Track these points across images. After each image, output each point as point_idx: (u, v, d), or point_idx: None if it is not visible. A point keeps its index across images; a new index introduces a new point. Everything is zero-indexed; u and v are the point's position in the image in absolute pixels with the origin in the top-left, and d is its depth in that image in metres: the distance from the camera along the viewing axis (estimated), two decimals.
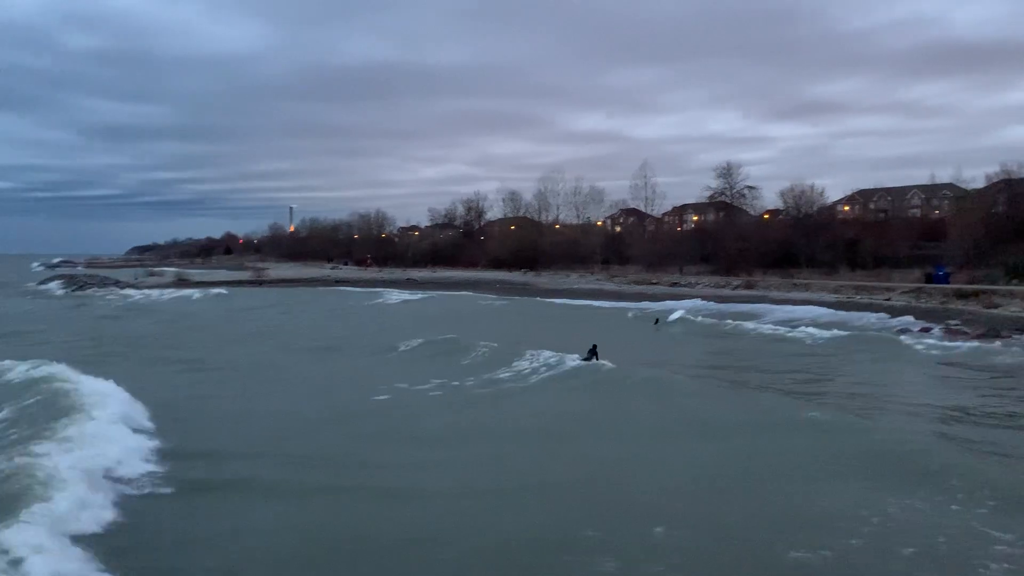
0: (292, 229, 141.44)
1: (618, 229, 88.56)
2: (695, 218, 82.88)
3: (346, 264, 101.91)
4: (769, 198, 74.46)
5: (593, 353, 19.76)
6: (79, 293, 61.32)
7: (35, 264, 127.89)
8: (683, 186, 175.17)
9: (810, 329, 29.66)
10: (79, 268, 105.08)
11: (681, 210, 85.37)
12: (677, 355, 24.68)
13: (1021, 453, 12.44)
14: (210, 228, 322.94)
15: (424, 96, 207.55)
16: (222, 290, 60.69)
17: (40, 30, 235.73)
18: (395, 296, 53.97)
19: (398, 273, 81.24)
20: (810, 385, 18.98)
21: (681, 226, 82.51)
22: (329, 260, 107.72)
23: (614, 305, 44.95)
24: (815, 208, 68.23)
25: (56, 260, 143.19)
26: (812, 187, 69.71)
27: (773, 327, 31.12)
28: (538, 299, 51.37)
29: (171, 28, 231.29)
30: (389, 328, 32.24)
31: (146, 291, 61.93)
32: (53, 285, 68.00)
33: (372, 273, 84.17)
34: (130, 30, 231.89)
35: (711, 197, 75.33)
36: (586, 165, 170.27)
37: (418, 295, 55.21)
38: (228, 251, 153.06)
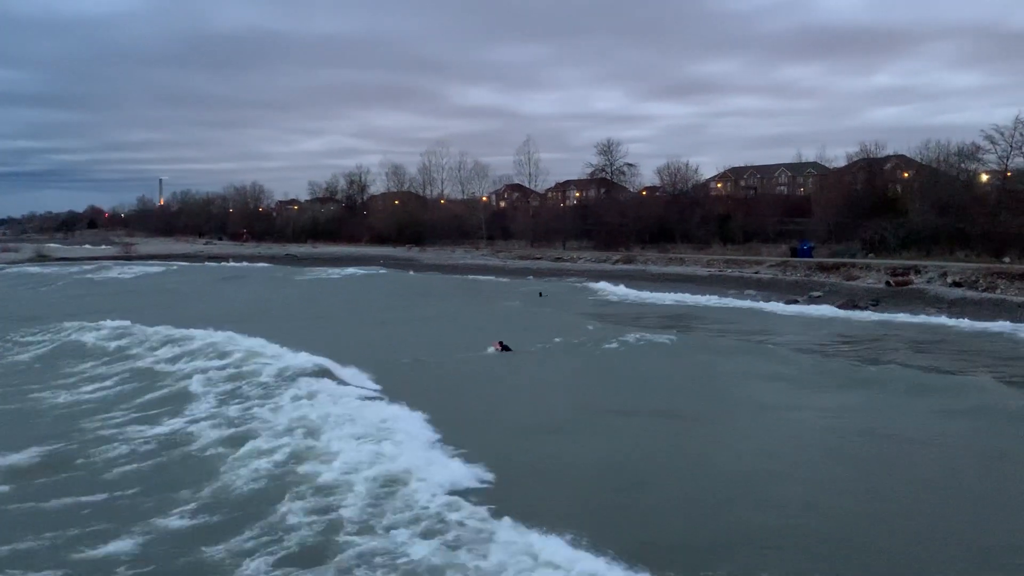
0: (162, 203, 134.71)
1: (502, 205, 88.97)
2: (577, 194, 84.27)
3: (220, 239, 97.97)
4: (647, 175, 76.86)
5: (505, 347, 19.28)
6: None
7: None
8: (567, 163, 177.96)
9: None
10: None
11: (564, 186, 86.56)
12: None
13: None
14: (72, 201, 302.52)
15: (305, 66, 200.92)
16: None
17: None
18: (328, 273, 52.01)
19: (276, 248, 78.86)
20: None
21: (564, 202, 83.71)
22: (201, 235, 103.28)
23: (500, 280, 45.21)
24: (690, 185, 70.74)
25: None
26: (687, 165, 72.28)
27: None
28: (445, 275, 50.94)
29: None
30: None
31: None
32: None
33: (249, 248, 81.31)
34: None
35: (592, 174, 76.79)
36: (472, 140, 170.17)
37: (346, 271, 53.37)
38: (92, 225, 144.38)
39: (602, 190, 75.99)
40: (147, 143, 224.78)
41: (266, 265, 61.63)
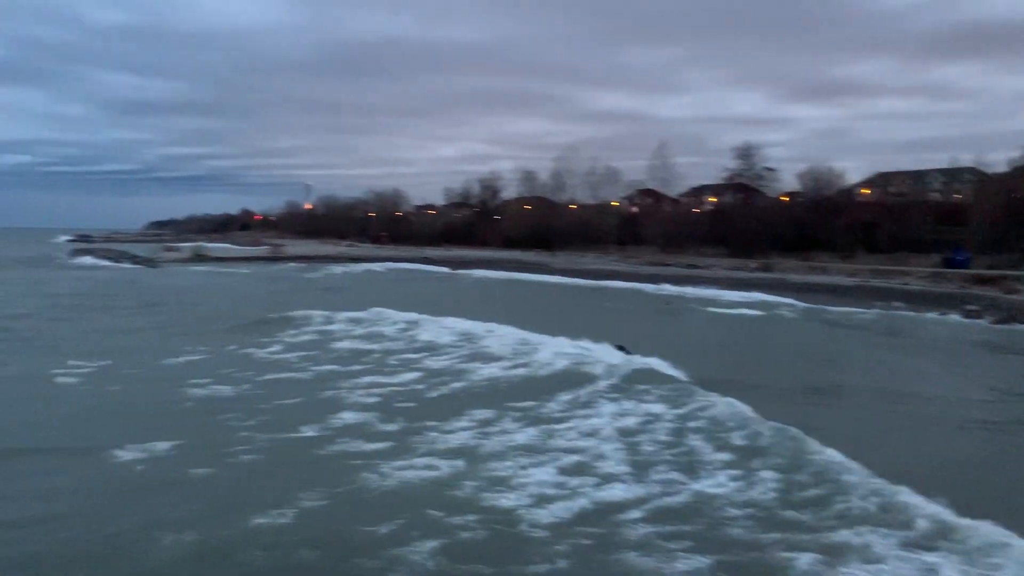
0: (309, 206, 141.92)
1: (634, 210, 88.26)
2: (712, 199, 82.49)
3: (362, 242, 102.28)
4: (788, 180, 74.12)
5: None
6: (116, 265, 62.24)
7: (62, 238, 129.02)
8: (702, 167, 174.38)
9: None
10: (103, 244, 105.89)
11: (698, 191, 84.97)
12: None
13: None
14: (227, 204, 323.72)
15: (441, 73, 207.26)
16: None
17: (65, 5, 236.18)
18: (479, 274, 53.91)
19: (413, 251, 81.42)
20: None
21: (698, 207, 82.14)
22: (343, 237, 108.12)
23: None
24: (834, 190, 67.84)
25: (73, 235, 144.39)
26: (830, 169, 69.39)
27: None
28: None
29: (190, 3, 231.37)
30: None
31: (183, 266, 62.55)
32: (87, 259, 69.07)
33: (388, 251, 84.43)
34: (150, 4, 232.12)
35: (729, 178, 75.01)
36: (603, 145, 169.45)
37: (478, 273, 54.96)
38: (245, 227, 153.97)
39: (739, 195, 74.08)
40: (295, 149, 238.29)
41: (409, 266, 63.54)
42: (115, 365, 17.80)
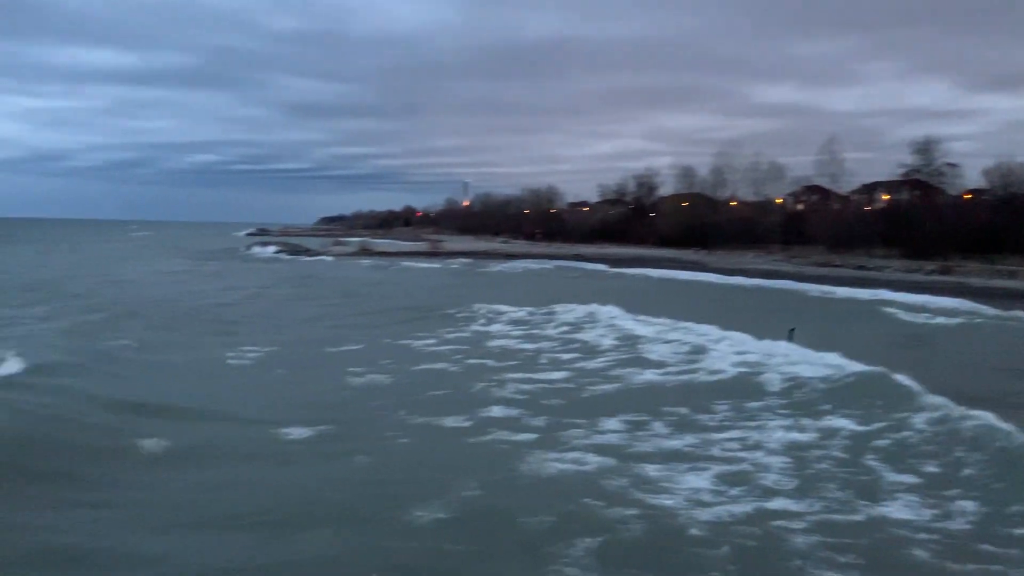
0: (466, 204, 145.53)
1: (799, 207, 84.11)
2: (885, 197, 77.17)
3: (516, 239, 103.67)
4: (972, 177, 68.11)
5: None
6: (291, 257, 66.78)
7: (242, 232, 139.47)
8: (874, 163, 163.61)
9: None
10: (280, 238, 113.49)
11: (870, 188, 79.73)
12: None
13: None
14: (391, 201, 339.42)
15: (602, 71, 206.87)
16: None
17: (249, 13, 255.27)
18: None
19: (565, 248, 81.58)
20: None
21: (869, 205, 77.13)
22: (497, 234, 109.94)
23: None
24: None
25: (254, 229, 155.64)
26: (1022, 165, 63.12)
27: None
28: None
29: (364, 7, 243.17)
30: None
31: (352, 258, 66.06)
32: (267, 251, 74.66)
33: (541, 247, 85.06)
34: (327, 10, 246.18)
35: (905, 175, 69.92)
36: (768, 140, 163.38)
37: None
38: (407, 223, 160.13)
39: (916, 192, 68.89)
40: (454, 148, 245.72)
41: (567, 264, 63.62)
42: (281, 352, 18.96)
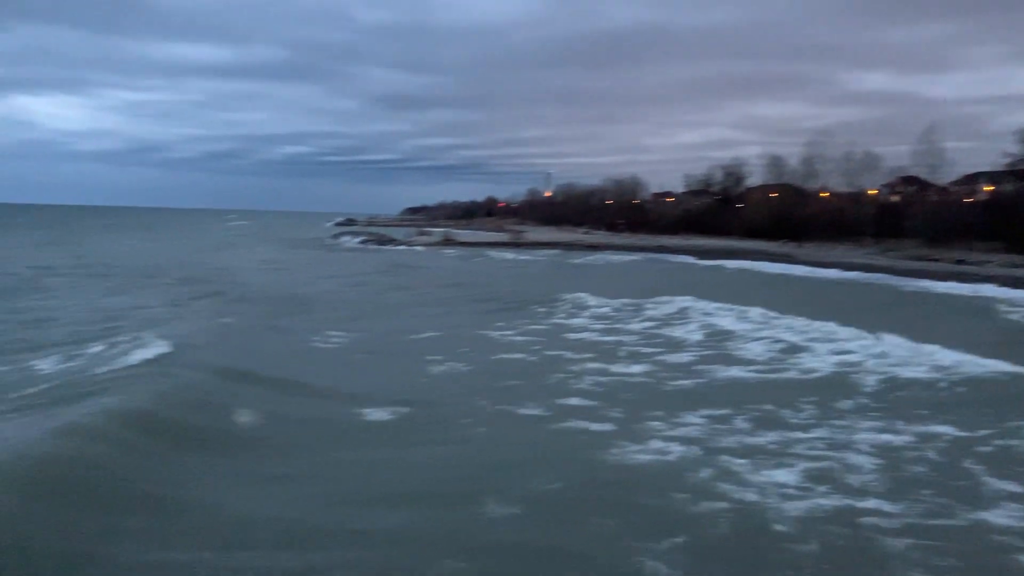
0: (548, 194, 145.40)
1: (894, 199, 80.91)
2: (988, 188, 73.51)
3: (599, 229, 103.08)
4: None
5: None
6: (377, 247, 68.40)
7: (328, 224, 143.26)
8: (976, 152, 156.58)
9: None
10: (367, 227, 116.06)
11: (972, 179, 76.07)
12: None
13: None
14: (473, 192, 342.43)
15: (690, 59, 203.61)
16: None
17: (338, 6, 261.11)
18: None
19: (649, 240, 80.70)
20: None
21: (971, 197, 73.59)
22: (579, 224, 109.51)
23: None
24: None
25: (341, 218, 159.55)
26: None
27: None
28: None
29: None
30: None
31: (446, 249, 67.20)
32: (354, 241, 76.65)
33: (624, 239, 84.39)
34: (414, 2, 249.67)
35: (1009, 164, 66.42)
36: (862, 129, 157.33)
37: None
38: (489, 214, 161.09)
39: (1021, 184, 65.35)
40: (537, 139, 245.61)
41: (654, 256, 62.87)
42: (367, 337, 19.62)
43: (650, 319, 23.22)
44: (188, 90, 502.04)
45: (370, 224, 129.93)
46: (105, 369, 14.13)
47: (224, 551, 7.09)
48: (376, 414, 11.91)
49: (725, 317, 22.62)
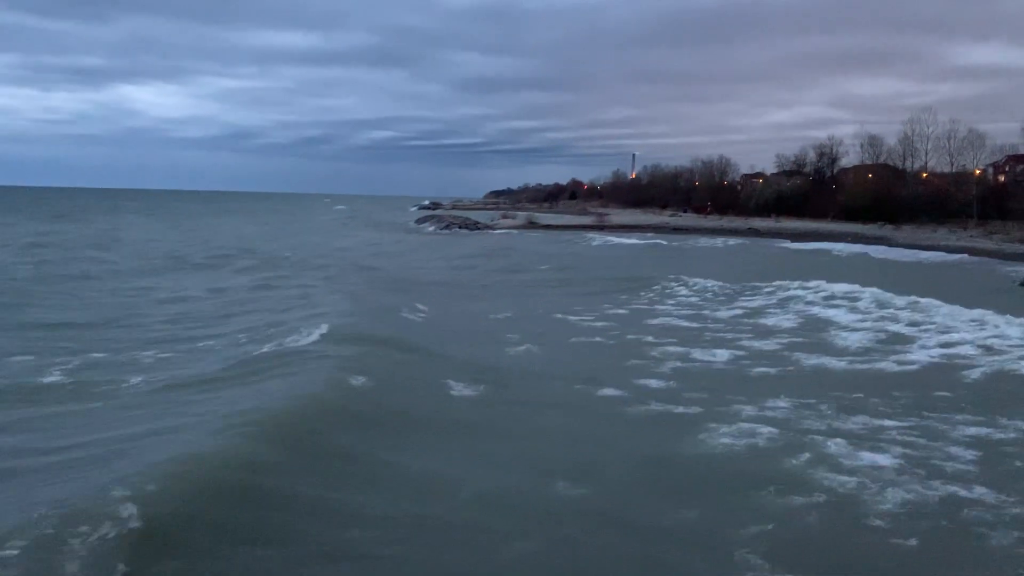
0: (633, 176, 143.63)
1: (1002, 179, 76.71)
2: None
3: (685, 212, 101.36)
4: None
5: None
6: (467, 231, 69.22)
7: (412, 208, 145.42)
8: None
9: None
10: (451, 211, 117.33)
11: None
12: None
13: None
14: (557, 174, 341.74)
15: (780, 35, 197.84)
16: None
17: None
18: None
19: (739, 222, 78.94)
20: None
21: None
22: (665, 207, 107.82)
23: None
24: None
25: (427, 202, 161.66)
26: None
27: None
28: None
29: None
30: None
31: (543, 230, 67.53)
32: (431, 227, 77.45)
33: (712, 222, 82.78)
34: None
35: None
36: (967, 106, 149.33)
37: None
38: (573, 196, 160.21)
39: None
40: (623, 120, 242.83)
41: (743, 241, 61.66)
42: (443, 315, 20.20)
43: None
44: (279, 76, 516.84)
45: (454, 207, 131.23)
46: (305, 341, 14.96)
47: (417, 502, 7.95)
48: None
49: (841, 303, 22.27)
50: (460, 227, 74.84)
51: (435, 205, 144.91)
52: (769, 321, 20.37)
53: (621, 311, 21.97)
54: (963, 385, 13.45)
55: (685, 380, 13.48)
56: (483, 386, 12.56)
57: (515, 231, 71.43)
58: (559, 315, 21.02)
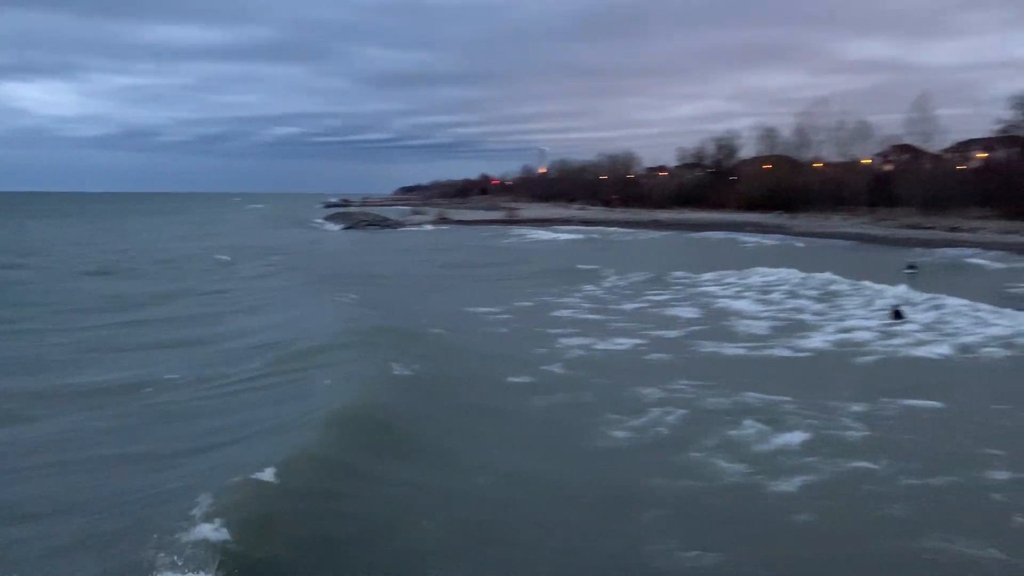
0: (543, 171, 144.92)
1: (888, 168, 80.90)
2: (982, 156, 73.50)
3: (593, 205, 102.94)
4: None
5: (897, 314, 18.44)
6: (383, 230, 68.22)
7: (318, 205, 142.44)
8: (970, 119, 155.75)
9: None
10: (362, 207, 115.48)
11: (965, 147, 76.07)
12: None
13: None
14: (468, 170, 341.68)
15: (684, 29, 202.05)
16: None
17: None
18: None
19: (643, 214, 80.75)
20: None
21: (964, 164, 73.61)
22: (573, 200, 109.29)
23: None
24: None
25: (338, 199, 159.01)
26: None
27: None
28: None
29: None
30: None
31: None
32: (335, 225, 75.88)
33: (619, 214, 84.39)
34: None
35: (1003, 131, 66.41)
36: (856, 98, 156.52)
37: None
38: (483, 192, 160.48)
39: (1014, 150, 65.37)
40: (535, 115, 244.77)
41: (658, 234, 62.59)
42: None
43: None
44: (180, 73, 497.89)
45: (365, 204, 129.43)
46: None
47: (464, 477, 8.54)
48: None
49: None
50: (370, 224, 73.87)
51: (345, 202, 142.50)
52: (673, 312, 21.02)
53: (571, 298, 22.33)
54: (855, 368, 14.22)
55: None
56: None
57: (430, 227, 71.06)
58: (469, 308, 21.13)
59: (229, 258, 38.09)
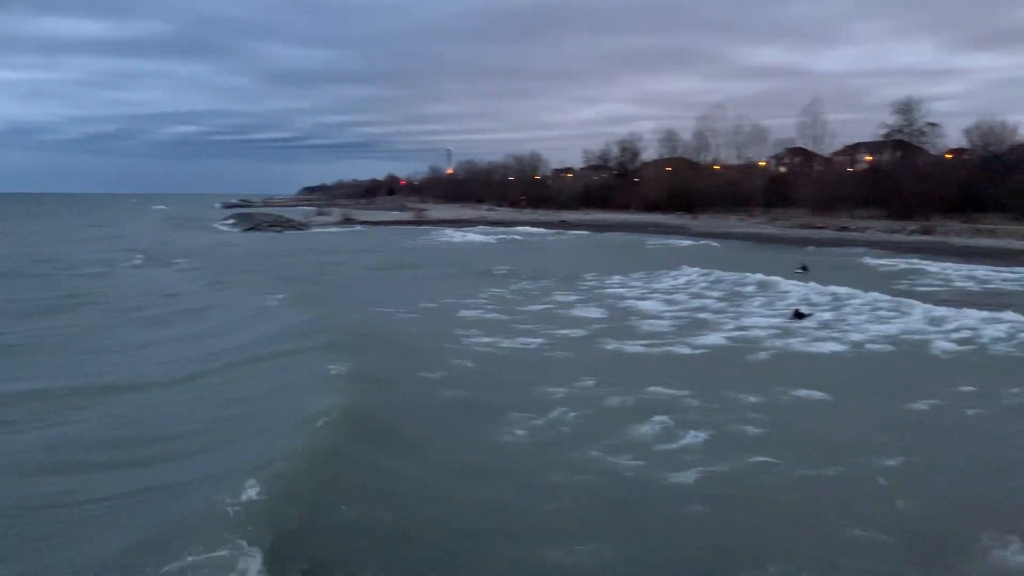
0: (450, 171, 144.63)
1: (782, 170, 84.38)
2: (868, 158, 77.50)
3: (501, 206, 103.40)
4: (953, 136, 68.52)
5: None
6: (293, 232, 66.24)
7: (217, 204, 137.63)
8: (858, 124, 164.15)
9: None
10: (264, 208, 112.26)
11: (853, 150, 80.00)
12: None
13: None
14: (374, 170, 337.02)
15: (588, 33, 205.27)
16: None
17: None
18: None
19: (551, 215, 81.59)
20: None
21: (852, 167, 77.46)
22: (481, 201, 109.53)
23: None
24: (1006, 147, 62.22)
25: (237, 199, 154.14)
26: (1003, 123, 63.57)
27: None
28: None
29: None
30: None
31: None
32: (236, 227, 73.52)
33: (527, 215, 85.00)
34: None
35: (887, 135, 70.22)
36: (753, 103, 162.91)
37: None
38: (391, 192, 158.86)
39: (897, 153, 69.25)
40: (442, 116, 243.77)
41: (583, 233, 62.70)
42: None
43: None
44: (69, 68, 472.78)
45: (267, 205, 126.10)
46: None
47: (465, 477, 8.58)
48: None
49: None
50: (273, 225, 71.80)
51: (245, 203, 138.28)
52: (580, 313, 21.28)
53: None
54: (750, 363, 14.65)
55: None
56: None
57: (336, 228, 69.75)
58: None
59: (140, 261, 36.54)
